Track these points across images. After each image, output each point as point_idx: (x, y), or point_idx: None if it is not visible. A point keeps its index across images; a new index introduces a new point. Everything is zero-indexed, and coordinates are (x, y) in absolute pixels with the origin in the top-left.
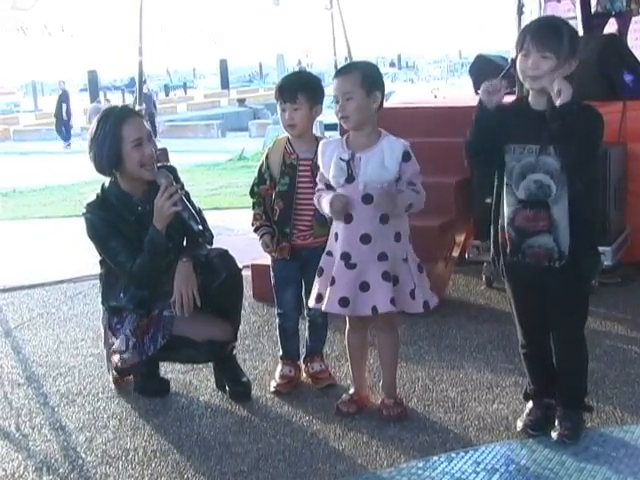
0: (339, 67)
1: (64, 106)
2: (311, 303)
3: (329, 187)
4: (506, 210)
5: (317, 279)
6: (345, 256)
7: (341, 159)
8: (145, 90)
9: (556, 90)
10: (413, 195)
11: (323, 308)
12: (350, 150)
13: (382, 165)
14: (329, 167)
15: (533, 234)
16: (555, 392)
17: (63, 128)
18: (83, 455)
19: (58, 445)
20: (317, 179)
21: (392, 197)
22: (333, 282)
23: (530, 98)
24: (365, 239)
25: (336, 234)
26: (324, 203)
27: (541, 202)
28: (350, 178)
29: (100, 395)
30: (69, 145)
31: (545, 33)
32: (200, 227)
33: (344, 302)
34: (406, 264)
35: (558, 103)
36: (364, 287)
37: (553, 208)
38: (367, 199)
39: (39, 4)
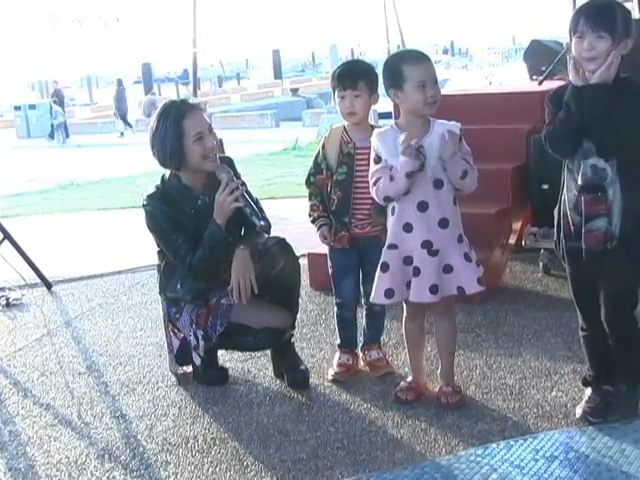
0: (404, 52)
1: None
2: (379, 299)
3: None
4: (568, 195)
5: (381, 274)
6: (427, 244)
7: None
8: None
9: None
10: (467, 165)
11: (410, 299)
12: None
13: None
14: (397, 156)
15: (592, 218)
16: (614, 378)
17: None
18: (144, 443)
19: (119, 433)
20: (375, 169)
21: (454, 138)
22: (418, 272)
23: (591, 82)
24: (443, 223)
25: (407, 225)
26: (399, 168)
27: (598, 186)
28: (421, 166)
29: (160, 384)
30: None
31: (599, 13)
32: (262, 223)
33: (434, 289)
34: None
35: (592, 80)
36: (447, 269)
37: (609, 191)
38: (438, 184)
39: None
